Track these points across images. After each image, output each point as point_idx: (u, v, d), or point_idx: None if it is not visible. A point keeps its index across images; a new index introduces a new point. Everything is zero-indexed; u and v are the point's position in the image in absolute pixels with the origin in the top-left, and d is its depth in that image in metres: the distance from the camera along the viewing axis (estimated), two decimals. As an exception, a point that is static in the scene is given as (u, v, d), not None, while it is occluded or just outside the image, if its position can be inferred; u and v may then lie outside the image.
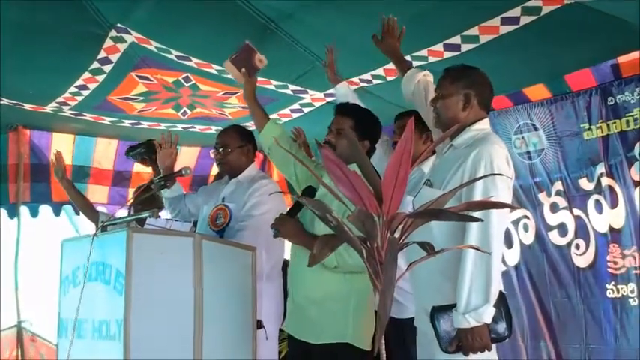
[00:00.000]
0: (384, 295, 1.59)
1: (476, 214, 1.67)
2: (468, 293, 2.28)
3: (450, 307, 2.34)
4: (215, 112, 5.05)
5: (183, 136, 4.26)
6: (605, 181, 4.03)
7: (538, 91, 4.33)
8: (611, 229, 4.01)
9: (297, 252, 2.93)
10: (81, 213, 4.88)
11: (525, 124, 4.44)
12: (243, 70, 3.20)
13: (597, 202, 4.09)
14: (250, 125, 3.81)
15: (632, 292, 3.90)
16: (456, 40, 3.54)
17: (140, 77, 4.36)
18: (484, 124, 2.54)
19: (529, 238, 4.45)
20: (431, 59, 3.75)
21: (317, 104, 4.69)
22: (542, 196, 4.38)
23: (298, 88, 4.42)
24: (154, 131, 5.22)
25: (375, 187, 1.61)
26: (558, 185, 4.29)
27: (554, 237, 4.32)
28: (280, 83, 4.35)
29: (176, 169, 3.65)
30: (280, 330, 3.27)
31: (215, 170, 5.63)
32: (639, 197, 3.86)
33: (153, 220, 3.00)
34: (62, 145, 5.23)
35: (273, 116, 4.77)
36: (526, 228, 4.46)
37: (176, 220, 3.71)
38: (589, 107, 4.10)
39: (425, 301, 2.47)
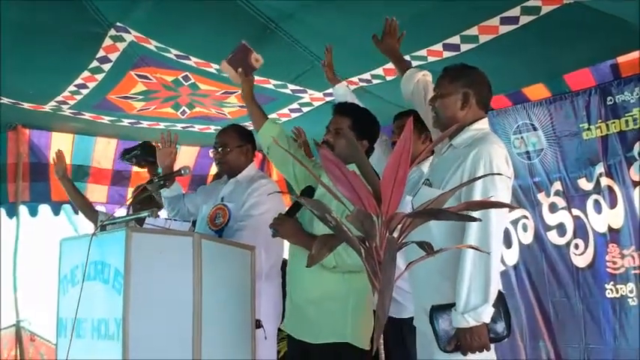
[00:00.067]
0: (382, 295, 1.59)
1: (475, 214, 1.67)
2: (467, 293, 2.28)
3: (449, 307, 2.34)
4: (214, 112, 5.05)
5: (183, 135, 4.26)
6: (605, 181, 4.03)
7: (537, 91, 4.33)
8: (610, 229, 4.01)
9: (295, 252, 2.93)
10: (80, 212, 4.88)
11: (524, 123, 4.44)
12: (240, 70, 3.20)
13: (596, 202, 4.09)
14: (249, 125, 3.81)
15: (631, 292, 3.90)
16: (455, 39, 3.54)
17: (139, 76, 4.35)
18: (483, 124, 2.54)
19: (528, 238, 4.45)
20: (430, 59, 3.75)
21: (316, 104, 4.69)
22: (541, 196, 4.38)
23: (297, 87, 4.42)
24: (153, 130, 5.22)
25: (374, 186, 1.61)
26: (557, 185, 4.29)
27: (553, 237, 4.32)
28: (279, 83, 4.35)
29: (175, 168, 3.65)
30: (279, 330, 3.27)
31: (214, 170, 5.63)
32: (638, 197, 3.86)
33: (152, 220, 2.99)
34: (61, 145, 5.22)
35: (272, 116, 4.77)
36: (525, 228, 4.46)
37: (175, 220, 3.71)
38: (588, 107, 4.10)
39: (424, 301, 2.47)
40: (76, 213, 5.24)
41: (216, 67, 4.03)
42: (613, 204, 4.00)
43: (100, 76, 4.25)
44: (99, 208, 5.15)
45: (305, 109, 4.81)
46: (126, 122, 5.18)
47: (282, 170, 3.23)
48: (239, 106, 4.80)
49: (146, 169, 4.65)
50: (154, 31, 3.78)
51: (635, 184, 3.89)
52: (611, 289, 4.00)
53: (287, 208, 2.93)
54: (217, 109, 4.97)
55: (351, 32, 3.55)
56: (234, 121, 4.61)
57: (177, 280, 2.63)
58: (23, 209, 5.27)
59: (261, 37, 3.64)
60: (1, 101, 4.52)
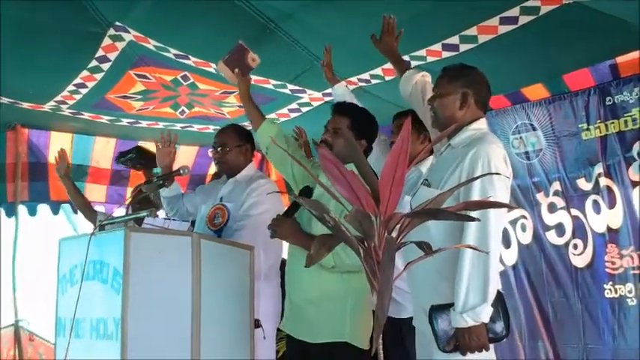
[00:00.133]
0: (381, 295, 1.59)
1: (473, 214, 1.67)
2: (466, 293, 2.28)
3: (448, 307, 2.34)
4: (213, 112, 5.04)
5: (182, 135, 4.26)
6: (604, 181, 4.03)
7: (536, 91, 4.33)
8: (609, 229, 4.01)
9: (294, 252, 2.93)
10: (79, 212, 4.88)
11: (523, 123, 4.44)
12: (237, 70, 3.20)
13: (595, 202, 4.09)
14: (249, 124, 3.81)
15: (629, 292, 3.90)
16: (454, 39, 3.54)
17: (138, 76, 4.35)
18: (481, 124, 2.54)
19: (527, 238, 4.45)
20: (429, 59, 3.75)
21: (315, 104, 4.69)
22: (540, 196, 4.38)
23: (297, 87, 4.42)
24: (152, 130, 5.22)
25: (373, 186, 1.61)
26: (556, 185, 4.29)
27: (551, 237, 4.32)
28: (279, 83, 4.34)
29: (174, 168, 3.65)
30: (278, 329, 3.27)
31: (212, 169, 5.63)
32: (637, 197, 3.86)
33: (151, 220, 2.99)
34: (60, 144, 5.22)
35: (271, 116, 4.78)
36: (524, 228, 4.46)
37: (174, 220, 3.71)
38: (587, 107, 4.10)
39: (423, 301, 2.47)
40: (75, 212, 5.23)
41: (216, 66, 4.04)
42: (612, 204, 3.99)
43: (99, 76, 4.25)
44: (98, 207, 5.14)
45: (304, 109, 4.81)
46: (125, 122, 5.18)
47: (280, 170, 3.23)
48: (238, 106, 4.79)
49: (141, 172, 4.66)
50: (153, 30, 3.78)
51: (634, 184, 3.89)
52: (609, 289, 4.00)
53: (285, 209, 2.92)
54: (216, 108, 4.97)
55: (351, 32, 3.55)
56: (233, 120, 4.61)
57: (176, 280, 2.63)
58: (22, 209, 5.27)
59: (261, 36, 3.64)
60: (1, 101, 4.52)
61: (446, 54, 3.67)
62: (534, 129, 4.38)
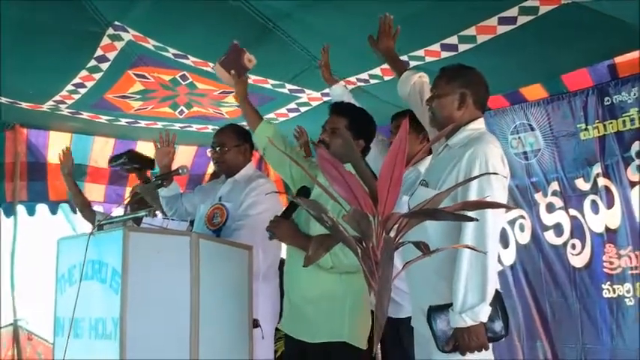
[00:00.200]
0: (380, 296, 1.58)
1: (471, 214, 1.67)
2: (464, 293, 2.28)
3: (446, 307, 2.34)
4: (212, 111, 5.04)
5: (180, 134, 4.26)
6: (602, 182, 4.03)
7: (535, 91, 4.33)
8: (607, 229, 4.02)
9: (292, 251, 2.93)
10: (78, 211, 4.89)
11: (522, 124, 4.44)
12: (233, 72, 3.21)
13: (593, 203, 4.09)
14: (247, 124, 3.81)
15: (628, 292, 3.90)
16: (453, 40, 3.54)
17: (137, 75, 4.35)
18: (479, 124, 2.54)
19: (525, 238, 4.45)
20: (428, 59, 3.75)
21: (314, 103, 4.69)
22: (538, 196, 4.38)
23: (295, 87, 4.42)
24: (150, 130, 5.22)
25: (370, 186, 1.61)
26: (555, 185, 4.29)
27: (550, 237, 4.32)
28: (277, 82, 4.34)
29: (173, 167, 3.66)
30: (277, 329, 3.27)
31: (211, 169, 5.63)
32: (637, 197, 3.87)
33: (149, 219, 3.00)
34: (59, 144, 5.22)
35: (270, 115, 4.78)
36: (522, 228, 4.47)
37: (173, 219, 3.71)
38: (586, 107, 4.10)
39: (421, 301, 2.47)
40: (74, 212, 5.24)
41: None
42: (610, 204, 4.00)
43: (97, 76, 4.25)
44: (96, 207, 5.16)
45: (303, 109, 4.81)
46: (123, 122, 5.18)
47: (279, 171, 3.22)
48: (237, 106, 4.77)
49: (135, 175, 4.68)
50: (152, 30, 3.78)
51: (633, 184, 3.89)
52: (608, 289, 4.00)
53: (283, 209, 2.92)
54: (215, 108, 4.97)
55: (350, 32, 3.55)
56: (232, 120, 4.60)
57: (174, 280, 2.63)
58: (21, 208, 5.27)
59: (259, 36, 3.64)
60: (0, 101, 4.52)
61: (444, 54, 3.68)
62: (533, 129, 4.38)
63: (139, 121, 5.18)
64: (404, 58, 3.63)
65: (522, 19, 3.27)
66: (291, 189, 3.13)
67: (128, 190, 5.61)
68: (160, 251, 2.63)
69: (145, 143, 5.43)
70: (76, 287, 2.69)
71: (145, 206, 3.80)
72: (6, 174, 5.16)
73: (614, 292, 3.97)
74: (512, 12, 3.23)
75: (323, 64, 3.47)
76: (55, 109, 4.79)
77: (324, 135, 2.94)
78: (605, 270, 4.02)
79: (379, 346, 3.39)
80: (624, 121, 3.93)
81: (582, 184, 4.15)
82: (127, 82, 4.43)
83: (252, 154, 3.52)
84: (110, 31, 3.76)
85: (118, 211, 4.88)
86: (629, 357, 3.86)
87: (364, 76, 4.11)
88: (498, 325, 2.35)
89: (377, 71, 4.01)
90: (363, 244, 1.63)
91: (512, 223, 4.48)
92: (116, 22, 3.69)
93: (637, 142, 3.88)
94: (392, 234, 1.64)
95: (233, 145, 3.41)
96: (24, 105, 4.70)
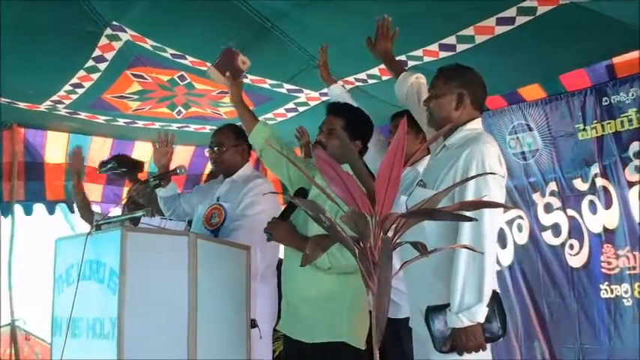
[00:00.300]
0: (380, 296, 1.58)
1: (468, 214, 1.67)
2: (461, 293, 2.28)
3: (444, 308, 2.34)
4: (210, 112, 5.04)
5: (178, 135, 4.26)
6: (600, 182, 4.03)
7: (533, 92, 4.33)
8: (605, 229, 4.01)
9: (290, 252, 2.93)
10: (76, 211, 4.90)
11: (520, 124, 4.44)
12: (228, 74, 3.21)
13: (591, 203, 4.09)
14: (245, 125, 3.81)
15: (625, 292, 3.90)
16: (451, 40, 3.55)
17: (135, 76, 4.35)
18: (476, 124, 2.54)
19: (523, 238, 4.45)
20: (426, 59, 3.75)
21: (312, 103, 4.69)
22: (536, 197, 4.38)
23: (293, 87, 4.41)
24: (148, 130, 5.21)
25: (368, 186, 1.61)
26: (552, 185, 4.29)
27: (548, 237, 4.32)
28: (275, 82, 4.34)
29: (171, 167, 3.66)
30: (275, 329, 3.27)
31: (208, 169, 5.63)
32: (638, 198, 3.86)
33: (147, 219, 3.00)
34: (56, 144, 5.22)
35: (268, 115, 4.78)
36: (520, 228, 4.46)
37: (170, 219, 3.71)
38: (584, 107, 4.10)
39: (419, 302, 2.48)
40: (72, 212, 5.24)
41: (213, 66, 4.04)
42: (608, 204, 4.00)
43: (95, 76, 4.25)
44: (94, 207, 5.15)
45: (301, 109, 4.81)
46: (121, 122, 5.18)
47: (276, 172, 3.21)
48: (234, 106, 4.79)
49: (126, 179, 4.70)
50: (150, 30, 3.77)
51: (631, 184, 3.89)
52: (605, 290, 4.00)
53: (281, 210, 2.92)
54: (213, 108, 4.97)
55: (348, 32, 3.55)
56: (230, 120, 4.58)
57: (172, 280, 2.63)
58: (18, 208, 5.27)
59: (257, 36, 3.64)
60: (-2, 101, 4.52)
61: (443, 54, 3.68)
62: (531, 129, 4.38)
63: (137, 121, 5.18)
64: (402, 58, 3.64)
65: (520, 20, 3.27)
66: (289, 190, 3.13)
67: (125, 191, 5.61)
68: (158, 251, 2.63)
69: (143, 143, 5.45)
70: (73, 287, 2.69)
71: (143, 206, 3.80)
72: (3, 174, 5.16)
73: (612, 292, 3.97)
74: (511, 12, 3.23)
75: (321, 63, 3.46)
76: (53, 109, 4.79)
77: (321, 136, 2.94)
78: (603, 270, 4.02)
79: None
80: (622, 122, 3.93)
81: (580, 185, 4.15)
82: (125, 83, 4.43)
83: (250, 154, 3.52)
84: (108, 31, 3.76)
85: (115, 211, 4.87)
86: (626, 357, 3.86)
87: (362, 76, 4.11)
88: (496, 326, 2.35)
89: (375, 71, 4.01)
90: (361, 244, 1.63)
91: (510, 223, 4.48)
92: (114, 22, 3.69)
93: (635, 143, 3.87)
94: (389, 234, 1.64)
95: (231, 145, 3.41)
96: (21, 105, 4.69)
